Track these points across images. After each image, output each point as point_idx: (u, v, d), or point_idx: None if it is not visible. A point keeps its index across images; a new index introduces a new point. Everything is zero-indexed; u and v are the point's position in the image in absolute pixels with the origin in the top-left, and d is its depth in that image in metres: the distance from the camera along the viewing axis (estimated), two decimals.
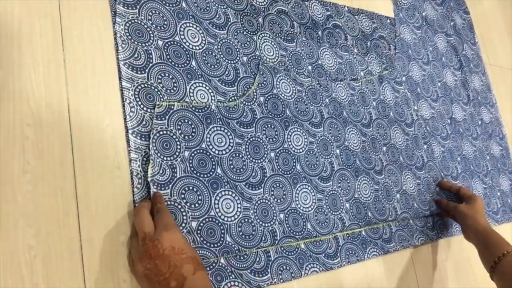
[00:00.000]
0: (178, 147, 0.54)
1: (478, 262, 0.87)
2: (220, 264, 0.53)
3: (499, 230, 0.93)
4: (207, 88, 0.59)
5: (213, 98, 0.59)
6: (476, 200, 0.78)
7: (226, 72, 0.62)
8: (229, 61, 0.63)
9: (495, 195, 0.95)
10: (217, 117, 0.58)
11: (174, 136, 0.54)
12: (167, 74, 0.56)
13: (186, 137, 0.55)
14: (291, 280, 0.59)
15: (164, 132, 0.53)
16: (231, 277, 0.53)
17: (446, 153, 0.89)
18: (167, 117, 0.54)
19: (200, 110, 0.57)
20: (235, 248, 0.54)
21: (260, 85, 0.64)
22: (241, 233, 0.55)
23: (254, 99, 0.63)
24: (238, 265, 0.55)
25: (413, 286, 0.74)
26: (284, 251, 0.59)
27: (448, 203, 0.81)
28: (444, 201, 0.82)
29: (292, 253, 0.60)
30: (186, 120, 0.55)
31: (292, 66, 0.70)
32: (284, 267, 0.58)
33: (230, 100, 0.60)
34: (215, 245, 0.53)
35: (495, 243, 0.70)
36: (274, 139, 0.63)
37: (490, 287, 0.87)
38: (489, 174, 0.96)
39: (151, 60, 0.55)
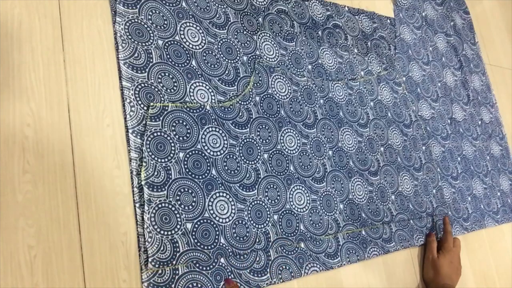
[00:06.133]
0: (173, 148, 0.53)
1: (478, 262, 0.87)
2: (220, 264, 0.53)
3: (499, 230, 0.93)
4: (207, 87, 0.59)
5: (213, 97, 0.59)
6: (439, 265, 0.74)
7: (226, 72, 0.62)
8: (229, 61, 0.63)
9: (495, 195, 0.95)
10: (212, 117, 0.58)
11: (169, 138, 0.53)
12: (167, 74, 0.56)
13: (181, 138, 0.54)
14: (290, 279, 0.59)
15: (158, 133, 0.53)
16: (230, 277, 0.53)
17: (446, 153, 0.89)
18: (161, 118, 0.53)
19: (195, 111, 0.56)
20: (229, 250, 0.54)
21: (255, 84, 0.64)
22: (235, 235, 0.55)
23: (250, 99, 0.62)
24: (237, 265, 0.55)
25: (413, 286, 0.74)
26: (284, 250, 0.59)
27: (432, 247, 0.77)
28: (433, 242, 0.77)
29: (292, 253, 0.60)
30: (180, 121, 0.55)
31: (291, 66, 0.70)
32: (284, 267, 0.58)
33: (227, 99, 0.60)
34: (209, 247, 0.53)
35: None
36: (267, 140, 0.62)
37: (489, 287, 0.87)
38: (489, 174, 0.96)
39: (151, 60, 0.55)
